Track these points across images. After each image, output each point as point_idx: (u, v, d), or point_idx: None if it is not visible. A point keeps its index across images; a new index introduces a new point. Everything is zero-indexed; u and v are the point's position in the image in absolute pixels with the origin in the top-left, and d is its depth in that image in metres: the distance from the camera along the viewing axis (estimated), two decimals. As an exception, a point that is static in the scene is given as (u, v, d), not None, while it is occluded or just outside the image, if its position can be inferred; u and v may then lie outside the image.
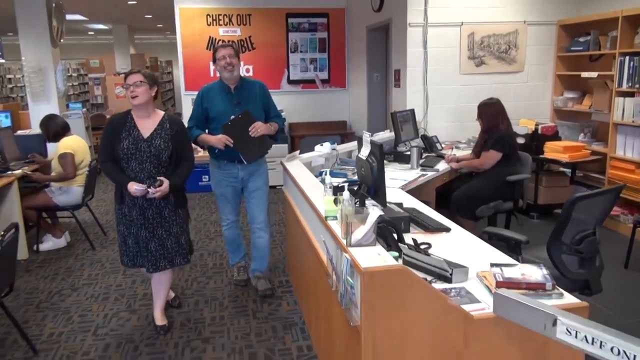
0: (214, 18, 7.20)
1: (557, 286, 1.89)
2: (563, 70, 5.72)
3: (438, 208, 3.38)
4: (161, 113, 3.07)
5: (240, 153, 3.35)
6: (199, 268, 4.19)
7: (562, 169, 5.38)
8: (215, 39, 7.21)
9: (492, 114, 4.13)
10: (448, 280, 1.94)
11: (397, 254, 1.91)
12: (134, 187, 2.83)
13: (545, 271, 1.93)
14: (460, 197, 4.05)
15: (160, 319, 3.22)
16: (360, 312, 1.70)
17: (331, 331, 2.34)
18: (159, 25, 14.88)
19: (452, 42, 5.52)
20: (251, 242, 3.75)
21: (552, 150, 5.10)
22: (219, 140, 3.30)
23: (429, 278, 1.97)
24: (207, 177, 6.96)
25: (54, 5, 7.11)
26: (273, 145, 3.56)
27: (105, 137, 3.00)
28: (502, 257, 2.19)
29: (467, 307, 1.76)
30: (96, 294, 3.76)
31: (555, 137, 5.36)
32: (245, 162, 3.40)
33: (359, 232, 1.87)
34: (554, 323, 1.43)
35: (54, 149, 4.71)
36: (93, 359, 2.91)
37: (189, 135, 3.26)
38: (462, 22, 5.47)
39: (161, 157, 2.93)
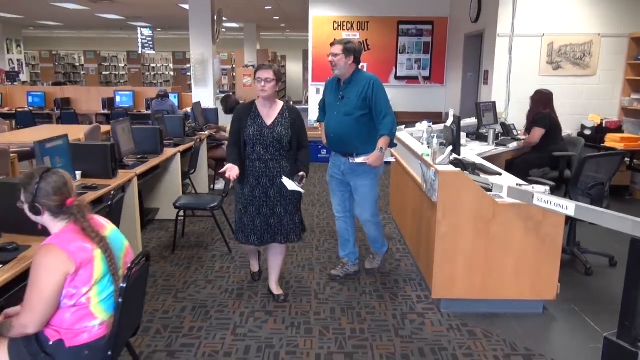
0: (339, 24, 8.91)
1: (552, 195, 3.32)
2: (632, 76, 6.75)
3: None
4: (281, 103, 3.37)
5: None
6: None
7: (623, 157, 6.47)
8: (339, 41, 8.92)
9: (539, 99, 5.39)
10: (489, 190, 3.44)
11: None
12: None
13: (547, 189, 3.35)
14: (518, 163, 5.42)
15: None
16: (437, 194, 3.27)
17: (421, 214, 3.89)
18: (282, 25, 16.98)
19: (533, 49, 6.75)
20: None
21: (611, 140, 6.24)
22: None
23: (479, 189, 3.48)
24: (325, 150, 8.73)
25: (217, 11, 9.23)
26: None
27: (233, 124, 3.40)
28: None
29: (496, 199, 3.26)
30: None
31: (618, 130, 6.47)
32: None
33: (440, 158, 3.43)
34: (533, 197, 2.92)
35: (228, 120, 6.68)
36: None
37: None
38: (543, 34, 6.70)
39: (283, 142, 3.28)
